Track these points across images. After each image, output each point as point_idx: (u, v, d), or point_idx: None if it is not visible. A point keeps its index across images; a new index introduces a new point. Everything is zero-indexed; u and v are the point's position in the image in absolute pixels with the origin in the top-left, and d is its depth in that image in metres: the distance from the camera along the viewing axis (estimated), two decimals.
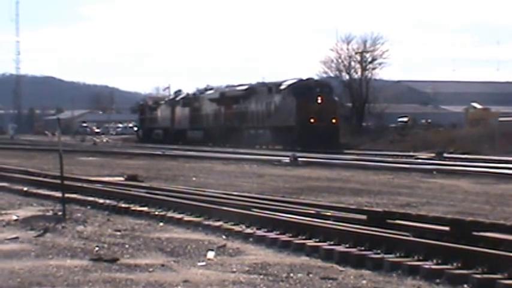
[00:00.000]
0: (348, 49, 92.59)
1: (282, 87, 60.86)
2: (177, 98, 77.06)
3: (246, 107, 63.37)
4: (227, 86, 71.83)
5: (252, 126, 61.20)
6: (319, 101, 57.23)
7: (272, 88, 62.54)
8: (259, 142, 56.70)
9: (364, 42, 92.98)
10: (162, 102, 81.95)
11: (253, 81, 70.92)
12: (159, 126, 79.51)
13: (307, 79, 62.47)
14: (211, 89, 73.00)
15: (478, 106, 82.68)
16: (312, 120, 55.98)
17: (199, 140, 65.90)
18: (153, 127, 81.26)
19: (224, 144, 55.79)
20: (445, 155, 45.66)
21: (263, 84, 68.20)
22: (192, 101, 73.48)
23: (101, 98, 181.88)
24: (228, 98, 67.08)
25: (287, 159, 39.76)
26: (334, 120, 57.78)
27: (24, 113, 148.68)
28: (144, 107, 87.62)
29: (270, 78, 71.01)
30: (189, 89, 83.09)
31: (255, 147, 53.41)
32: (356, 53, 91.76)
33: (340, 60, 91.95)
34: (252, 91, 64.63)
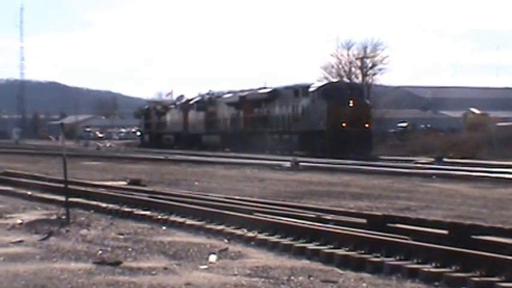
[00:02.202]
0: (348, 55, 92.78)
1: (311, 89, 58.49)
2: (191, 102, 75.46)
3: (269, 110, 61.12)
4: (241, 90, 69.73)
5: (276, 131, 58.75)
6: (351, 104, 54.49)
7: (299, 91, 60.11)
8: (283, 148, 54.28)
9: (365, 48, 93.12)
10: (172, 106, 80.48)
11: (255, 86, 70.07)
12: (170, 131, 78.09)
13: (338, 81, 60.34)
14: (227, 92, 71.50)
15: (477, 111, 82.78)
16: (343, 125, 53.42)
17: (215, 145, 64.08)
18: (162, 132, 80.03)
19: (243, 150, 53.80)
20: (444, 159, 45.68)
21: (288, 87, 65.41)
22: (207, 105, 71.67)
23: (104, 104, 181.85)
24: (248, 101, 64.98)
25: (288, 164, 39.77)
26: (367, 125, 55.18)
27: (29, 118, 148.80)
28: (150, 112, 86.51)
29: (271, 83, 70.53)
30: (190, 94, 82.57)
31: (278, 153, 51.35)
32: (356, 59, 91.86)
33: (340, 66, 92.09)
34: (275, 94, 62.21)
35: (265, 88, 65.74)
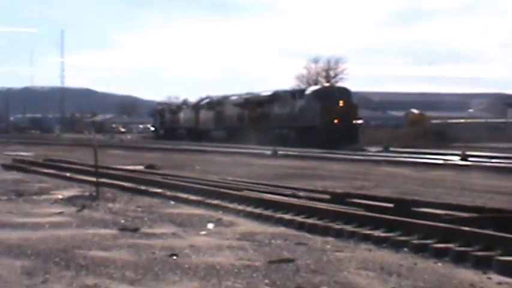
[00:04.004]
0: (316, 67, 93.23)
1: (307, 92, 57.57)
2: (201, 103, 74.22)
3: (270, 110, 59.59)
4: (246, 93, 68.36)
5: (276, 126, 57.08)
6: (341, 104, 53.27)
7: (296, 94, 59.10)
8: (282, 141, 52.04)
9: (329, 62, 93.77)
10: (185, 106, 79.88)
11: (243, 91, 69.75)
12: (182, 127, 77.21)
13: (329, 86, 59.32)
14: (233, 95, 70.24)
15: (416, 111, 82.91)
16: (335, 121, 51.99)
17: (222, 139, 62.09)
18: (176, 127, 79.26)
19: (246, 143, 51.73)
20: (390, 149, 45.70)
21: (286, 90, 64.83)
22: (215, 105, 70.42)
23: (125, 105, 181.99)
24: (252, 102, 63.62)
25: (269, 152, 39.72)
26: (354, 122, 53.80)
27: (67, 116, 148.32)
28: (164, 111, 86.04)
29: (256, 88, 70.80)
30: (192, 97, 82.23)
31: (276, 145, 47.51)
32: (322, 71, 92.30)
33: (310, 76, 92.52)
34: (275, 96, 60.86)
35: (266, 91, 64.60)
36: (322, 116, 52.24)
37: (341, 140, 48.77)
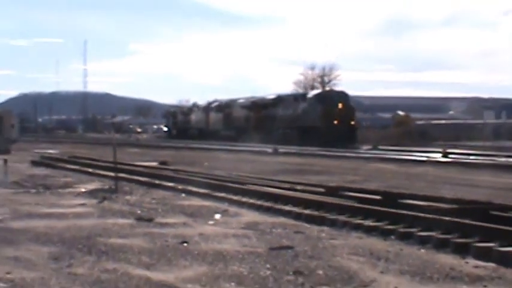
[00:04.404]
0: (312, 74, 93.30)
1: (309, 96, 56.92)
2: (211, 106, 73.19)
3: (274, 112, 58.44)
4: (252, 97, 67.38)
5: (280, 127, 55.86)
6: (340, 106, 52.33)
7: (298, 97, 58.63)
8: (285, 140, 51.04)
9: (324, 69, 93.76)
10: (196, 108, 79.39)
11: (246, 95, 69.41)
12: (194, 127, 76.50)
13: (329, 90, 58.55)
14: (240, 99, 69.02)
15: (402, 113, 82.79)
16: (335, 122, 51.12)
17: (230, 138, 60.70)
18: (188, 127, 78.72)
19: (253, 142, 50.19)
20: (379, 147, 45.65)
21: (289, 94, 64.45)
22: (224, 108, 69.52)
23: (141, 107, 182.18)
24: (258, 105, 62.59)
25: (270, 150, 39.70)
26: (352, 122, 53.02)
27: (89, 118, 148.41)
28: (177, 113, 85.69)
29: (258, 93, 70.42)
30: (200, 101, 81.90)
31: (280, 144, 46.68)
32: (318, 77, 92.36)
33: (306, 81, 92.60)
34: (279, 100, 60.07)
35: (271, 95, 63.98)
36: (323, 118, 51.60)
37: (340, 140, 47.95)
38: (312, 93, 59.53)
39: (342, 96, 54.82)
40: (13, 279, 8.09)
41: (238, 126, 63.80)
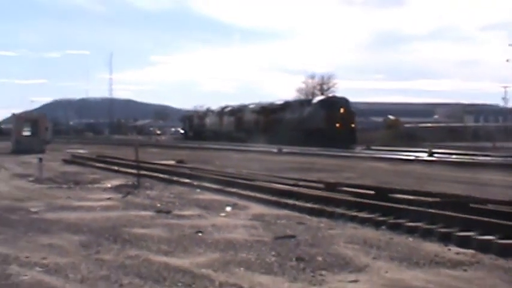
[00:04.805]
0: (312, 82, 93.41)
1: (313, 101, 56.37)
2: (225, 110, 72.66)
3: (282, 116, 57.69)
4: (261, 103, 66.65)
5: (288, 129, 54.60)
6: (342, 111, 51.71)
7: (304, 103, 58.16)
8: (292, 141, 49.61)
9: (323, 78, 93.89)
10: (210, 113, 78.92)
11: (254, 101, 69.19)
12: (208, 129, 75.67)
13: (332, 96, 57.96)
14: (250, 104, 68.31)
15: (392, 117, 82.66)
16: (337, 125, 50.48)
17: (242, 140, 58.88)
18: (203, 130, 78.18)
19: (262, 143, 49.02)
20: (372, 147, 45.57)
21: (296, 100, 63.76)
22: (236, 112, 69.02)
23: (160, 112, 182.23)
24: (267, 109, 61.96)
25: (275, 150, 39.65)
26: (352, 125, 52.44)
27: (114, 121, 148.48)
28: (193, 117, 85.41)
29: (264, 99, 70.13)
30: (213, 106, 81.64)
31: (288, 145, 45.65)
32: (317, 85, 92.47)
33: (307, 89, 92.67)
34: (287, 105, 59.70)
35: (278, 101, 63.45)
36: (326, 121, 51.16)
37: (342, 141, 47.28)
38: (316, 99, 59.13)
39: (343, 101, 54.44)
40: (48, 264, 8.13)
41: (248, 129, 63.40)
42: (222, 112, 73.83)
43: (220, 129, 71.99)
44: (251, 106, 67.37)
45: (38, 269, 7.89)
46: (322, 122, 51.41)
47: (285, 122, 56.67)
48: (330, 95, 59.01)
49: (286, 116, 57.45)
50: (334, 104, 53.31)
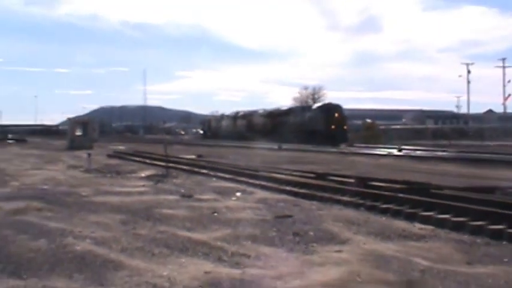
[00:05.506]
0: (306, 92, 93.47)
1: (313, 107, 55.79)
2: (238, 115, 71.78)
3: (287, 119, 56.81)
4: (268, 109, 65.68)
5: (291, 130, 53.61)
6: (336, 115, 51.21)
7: (305, 109, 57.55)
8: (295, 140, 48.76)
9: (314, 89, 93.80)
10: (225, 117, 77.81)
11: (259, 108, 68.91)
12: (224, 130, 74.86)
13: (328, 103, 57.51)
14: (259, 109, 67.44)
15: (369, 121, 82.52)
16: (332, 127, 50.00)
17: (252, 139, 56.14)
18: (219, 131, 77.84)
19: (269, 141, 47.10)
20: (354, 145, 45.46)
21: (298, 107, 63.09)
22: (248, 116, 68.12)
23: (184, 117, 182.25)
24: (274, 114, 61.08)
25: (276, 147, 39.60)
26: (345, 127, 51.86)
27: (148, 124, 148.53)
28: (211, 120, 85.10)
29: (268, 106, 70.06)
30: (227, 112, 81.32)
31: (285, 142, 45.30)
32: (310, 94, 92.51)
33: (302, 98, 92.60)
34: (290, 110, 59.05)
35: (283, 107, 62.96)
36: (324, 123, 50.73)
37: (336, 140, 46.90)
38: (316, 105, 58.64)
39: (338, 107, 53.96)
40: (95, 237, 8.15)
41: (257, 130, 62.99)
42: (235, 116, 73.60)
43: (233, 130, 71.67)
44: (260, 111, 67.12)
45: (88, 240, 7.90)
46: (320, 124, 51.04)
47: (289, 124, 56.20)
48: (327, 102, 58.57)
49: (290, 119, 56.92)
50: (330, 109, 52.91)
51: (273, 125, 59.93)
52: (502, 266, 6.62)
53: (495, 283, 5.91)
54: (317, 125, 51.38)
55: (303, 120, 54.13)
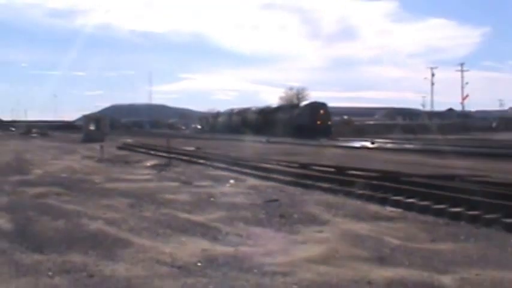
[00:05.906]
0: (291, 92, 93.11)
1: (301, 105, 55.36)
2: (233, 112, 71.21)
3: (277, 115, 56.36)
4: (260, 107, 65.27)
5: (281, 126, 52.72)
6: (321, 112, 51.16)
7: (293, 106, 57.17)
8: (284, 133, 47.82)
9: (298, 89, 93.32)
10: (222, 114, 77.56)
11: (251, 106, 68.55)
12: (221, 125, 74.59)
13: (314, 102, 57.35)
14: (252, 107, 67.06)
15: (346, 117, 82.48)
16: (318, 122, 49.88)
17: (246, 133, 54.38)
18: (215, 126, 77.41)
19: (261, 135, 46.86)
20: (335, 138, 45.28)
21: (287, 104, 62.55)
22: (242, 113, 67.49)
23: (185, 113, 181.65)
24: (265, 111, 60.79)
25: (264, 140, 39.51)
26: (329, 122, 51.83)
27: (153, 120, 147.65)
28: (209, 117, 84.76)
29: (258, 104, 69.67)
30: (222, 109, 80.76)
31: (275, 136, 44.58)
32: (295, 94, 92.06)
33: (288, 98, 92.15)
34: (280, 108, 58.67)
35: (273, 105, 62.72)
36: (310, 119, 50.49)
37: (321, 134, 46.19)
38: (303, 103, 58.62)
39: (323, 105, 53.82)
40: (107, 218, 8.13)
41: (250, 125, 62.68)
42: (231, 113, 73.33)
43: (229, 125, 71.38)
44: (253, 108, 66.86)
45: (100, 221, 7.89)
46: (307, 120, 50.79)
47: (279, 120, 55.85)
48: (313, 100, 58.45)
49: (279, 115, 56.62)
50: (316, 107, 52.74)
51: (264, 121, 59.49)
52: (460, 243, 6.68)
53: (454, 257, 5.97)
54: (304, 120, 51.05)
55: (292, 117, 53.78)
